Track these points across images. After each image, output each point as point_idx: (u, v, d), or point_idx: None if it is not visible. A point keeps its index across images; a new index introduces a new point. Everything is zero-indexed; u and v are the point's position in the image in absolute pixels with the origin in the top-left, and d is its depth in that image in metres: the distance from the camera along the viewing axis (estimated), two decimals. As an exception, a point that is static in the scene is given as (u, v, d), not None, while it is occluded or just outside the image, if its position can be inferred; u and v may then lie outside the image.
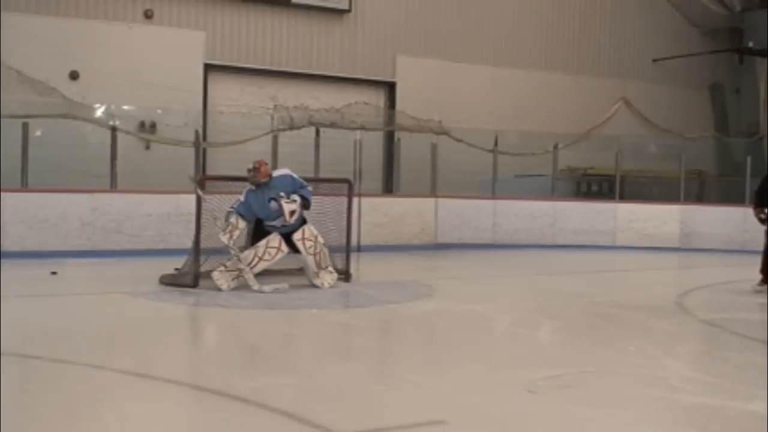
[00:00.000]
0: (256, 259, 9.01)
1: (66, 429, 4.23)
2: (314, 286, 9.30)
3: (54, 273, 9.94)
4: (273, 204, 9.09)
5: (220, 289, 8.81)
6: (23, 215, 11.56)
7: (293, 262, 9.59)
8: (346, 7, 16.70)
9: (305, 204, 9.25)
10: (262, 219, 9.30)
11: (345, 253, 10.07)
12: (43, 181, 12.17)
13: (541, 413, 4.64)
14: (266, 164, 9.31)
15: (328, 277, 9.41)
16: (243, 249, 9.27)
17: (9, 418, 4.12)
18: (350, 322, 8.05)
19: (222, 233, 8.97)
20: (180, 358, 6.22)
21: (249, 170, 9.17)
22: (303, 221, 9.39)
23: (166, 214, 12.26)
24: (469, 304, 8.62)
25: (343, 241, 10.08)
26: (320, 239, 9.36)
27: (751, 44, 20.40)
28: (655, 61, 20.33)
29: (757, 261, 10.17)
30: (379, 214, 14.01)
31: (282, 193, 9.08)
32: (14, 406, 4.44)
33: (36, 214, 11.65)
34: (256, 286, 8.79)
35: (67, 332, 6.66)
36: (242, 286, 8.89)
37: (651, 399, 4.96)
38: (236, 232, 9.01)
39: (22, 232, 11.51)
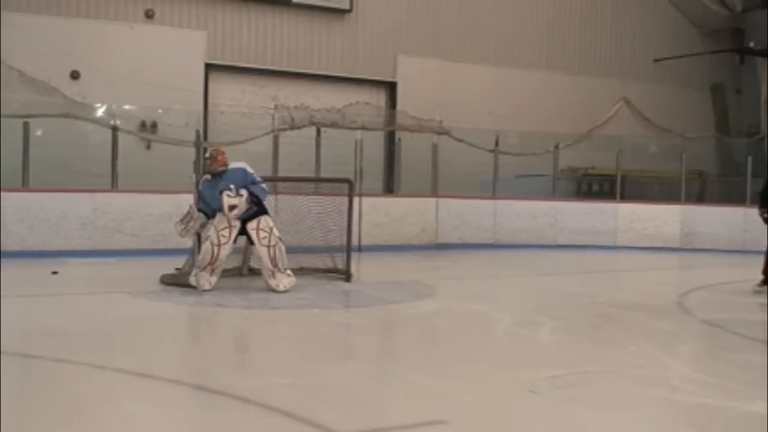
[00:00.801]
0: (216, 249, 8.71)
1: (66, 429, 4.23)
2: (270, 289, 8.82)
3: (55, 272, 9.94)
4: (224, 196, 8.74)
5: (205, 290, 8.57)
6: (24, 215, 11.56)
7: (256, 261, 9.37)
8: (347, 6, 16.71)
9: (254, 200, 8.81)
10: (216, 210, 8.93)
11: (346, 253, 10.07)
12: (44, 181, 12.18)
13: (541, 413, 4.64)
14: (224, 153, 9.03)
15: (285, 280, 8.91)
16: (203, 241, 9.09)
17: (9, 417, 4.12)
18: (351, 321, 8.05)
19: (176, 222, 9.03)
20: (180, 357, 6.22)
21: (206, 158, 9.07)
22: (260, 213, 8.94)
23: (167, 214, 12.23)
24: (469, 304, 8.62)
25: (344, 240, 10.07)
26: (276, 232, 8.90)
27: (752, 44, 20.41)
28: (656, 61, 20.33)
29: (758, 261, 10.15)
30: (379, 214, 14.01)
31: (232, 186, 8.72)
32: (15, 405, 4.44)
33: (37, 214, 11.66)
34: (206, 286, 8.64)
35: (68, 332, 6.66)
36: (242, 287, 8.89)
37: (652, 399, 4.96)
38: (192, 223, 8.92)
39: (23, 232, 11.52)
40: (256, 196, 8.86)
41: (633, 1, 20.33)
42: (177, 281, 9.17)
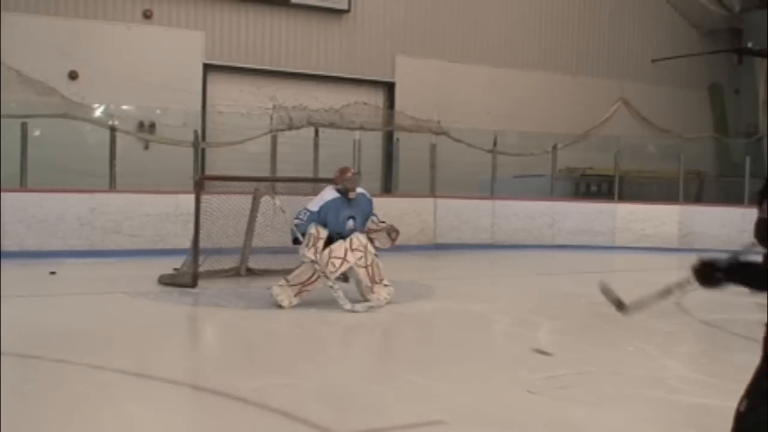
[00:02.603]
0: (316, 275, 7.95)
1: (65, 429, 4.23)
2: (367, 301, 8.13)
3: (53, 273, 9.94)
4: (350, 223, 8.17)
5: (280, 306, 7.89)
6: (22, 215, 11.55)
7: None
8: (345, 7, 16.70)
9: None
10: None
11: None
12: (42, 181, 12.16)
13: (540, 413, 4.64)
14: None
15: (383, 291, 8.31)
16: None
17: (8, 418, 4.11)
18: (349, 322, 8.05)
19: (305, 248, 7.93)
20: (179, 358, 6.22)
21: (349, 175, 8.26)
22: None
23: (165, 214, 12.25)
24: (468, 304, 8.62)
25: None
26: (371, 248, 8.25)
27: (750, 45, 20.41)
28: (654, 61, 20.33)
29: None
30: (378, 214, 13.98)
31: (374, 218, 8.42)
32: (13, 406, 4.43)
33: (35, 214, 11.65)
34: (347, 306, 7.80)
35: (66, 332, 6.65)
36: (241, 287, 8.88)
37: (650, 399, 4.96)
38: (320, 243, 7.96)
39: (21, 232, 11.50)
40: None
41: (631, 2, 20.32)
42: (175, 281, 9.17)
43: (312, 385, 5.15)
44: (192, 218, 9.35)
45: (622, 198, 16.58)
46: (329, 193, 8.22)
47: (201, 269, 9.15)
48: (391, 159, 16.15)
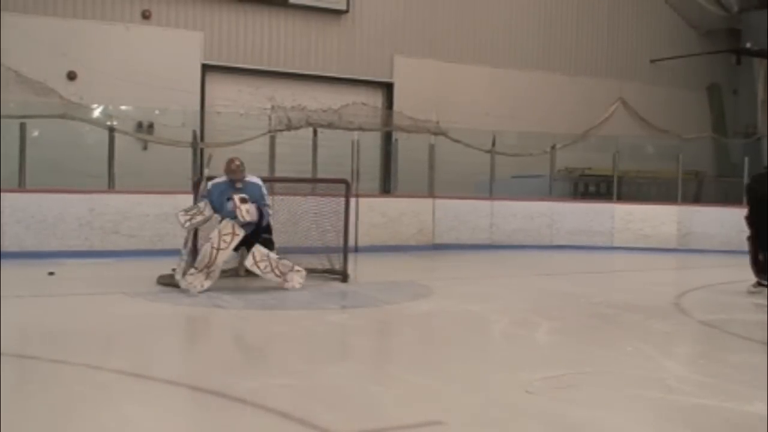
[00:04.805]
0: (215, 252, 8.74)
1: (63, 429, 4.23)
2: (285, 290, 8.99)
3: (51, 273, 9.92)
4: (230, 203, 8.94)
5: (199, 292, 8.57)
6: (21, 215, 11.55)
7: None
8: (343, 7, 16.70)
9: (260, 217, 9.01)
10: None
11: (343, 254, 10.07)
12: (40, 182, 12.16)
13: (538, 414, 4.64)
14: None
15: (296, 277, 9.14)
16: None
17: (7, 418, 4.11)
18: (348, 322, 8.05)
19: (182, 212, 8.95)
20: (177, 358, 6.21)
21: (233, 166, 9.09)
22: (257, 232, 9.11)
23: (164, 215, 12.24)
24: (466, 304, 8.62)
25: (341, 241, 10.07)
26: (272, 255, 9.05)
27: (748, 45, 20.43)
28: (652, 61, 20.35)
29: (755, 262, 10.19)
30: (376, 215, 14.02)
31: (246, 196, 8.96)
32: (12, 406, 4.43)
33: (34, 215, 11.65)
34: (197, 289, 8.60)
35: (65, 332, 6.65)
36: (239, 288, 8.88)
37: (648, 400, 4.96)
38: (199, 218, 8.96)
39: (20, 233, 11.50)
40: (262, 215, 9.02)
41: (630, 2, 20.34)
42: (174, 282, 9.15)
43: (310, 386, 5.14)
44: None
45: (621, 198, 16.59)
46: (212, 183, 9.24)
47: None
48: (389, 159, 16.16)
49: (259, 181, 9.33)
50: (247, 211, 8.81)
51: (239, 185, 9.09)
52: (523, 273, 12.17)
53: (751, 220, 10.27)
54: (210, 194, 9.11)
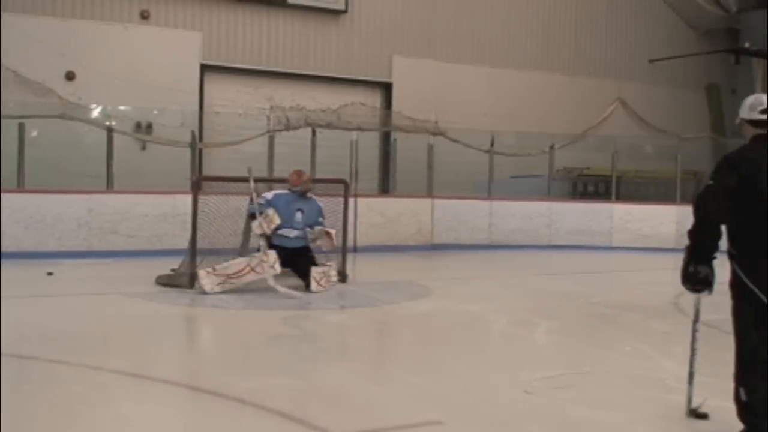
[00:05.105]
0: (247, 269, 8.78)
1: (62, 429, 4.23)
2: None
3: (50, 273, 9.92)
4: (298, 215, 9.26)
5: (204, 291, 8.62)
6: (19, 216, 11.53)
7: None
8: (342, 7, 16.68)
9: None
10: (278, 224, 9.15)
11: (341, 254, 10.08)
12: (39, 182, 12.15)
13: (537, 414, 4.64)
14: None
15: (331, 272, 9.53)
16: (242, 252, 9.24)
17: (6, 418, 4.11)
18: (346, 322, 8.05)
19: (256, 223, 8.87)
20: (176, 358, 6.21)
21: (306, 179, 9.57)
22: (309, 258, 9.36)
23: (163, 215, 12.24)
24: (465, 304, 8.62)
25: (340, 241, 10.07)
26: (321, 268, 9.29)
27: (747, 45, 20.41)
28: (651, 61, 20.34)
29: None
30: (375, 215, 14.01)
31: (322, 220, 9.48)
32: (11, 406, 4.43)
33: (32, 215, 11.63)
34: (271, 282, 8.63)
35: (64, 333, 6.65)
36: (238, 288, 8.87)
37: (647, 399, 4.97)
38: (272, 225, 8.94)
39: (19, 233, 11.48)
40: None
41: (628, 2, 20.34)
42: (172, 282, 9.16)
43: (309, 386, 5.15)
44: (189, 219, 9.34)
45: (620, 198, 16.59)
46: (274, 193, 9.52)
47: (198, 270, 9.13)
48: (388, 159, 16.16)
49: (320, 202, 9.77)
50: (332, 246, 9.42)
51: (310, 195, 9.53)
52: (522, 273, 12.17)
53: None
54: (272, 203, 9.16)
